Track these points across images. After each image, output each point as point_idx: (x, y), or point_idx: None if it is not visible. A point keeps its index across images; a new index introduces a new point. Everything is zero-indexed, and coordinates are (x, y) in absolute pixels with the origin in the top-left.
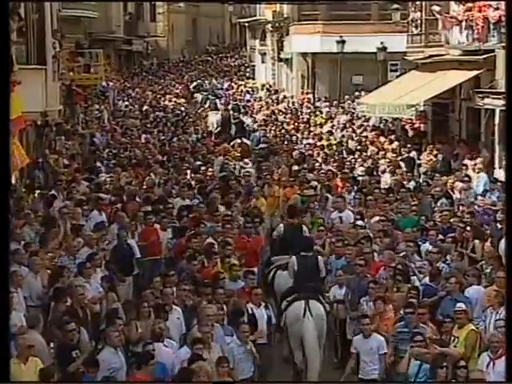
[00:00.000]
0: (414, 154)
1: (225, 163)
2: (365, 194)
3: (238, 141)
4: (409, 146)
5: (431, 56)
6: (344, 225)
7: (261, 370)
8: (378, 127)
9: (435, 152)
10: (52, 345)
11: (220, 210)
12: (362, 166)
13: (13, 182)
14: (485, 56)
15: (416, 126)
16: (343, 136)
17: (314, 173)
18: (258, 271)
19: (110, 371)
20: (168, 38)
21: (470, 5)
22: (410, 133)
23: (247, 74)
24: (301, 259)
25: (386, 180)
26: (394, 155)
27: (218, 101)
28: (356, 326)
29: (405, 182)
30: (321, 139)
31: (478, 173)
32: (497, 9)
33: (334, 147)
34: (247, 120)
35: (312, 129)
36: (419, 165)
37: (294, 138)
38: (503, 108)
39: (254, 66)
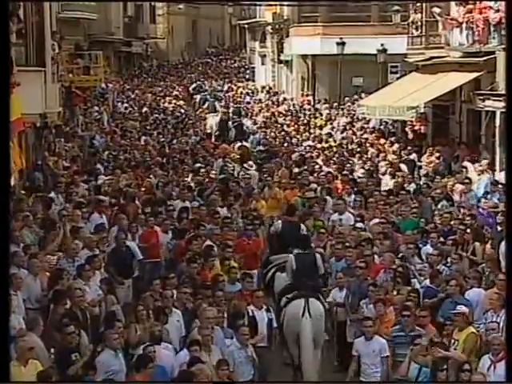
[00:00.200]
0: (414, 156)
1: (224, 165)
2: (365, 196)
3: (238, 143)
4: (409, 148)
5: (431, 58)
6: (344, 227)
7: (261, 373)
8: (379, 129)
9: (436, 154)
10: (52, 347)
11: (220, 212)
12: (362, 168)
13: (12, 183)
14: (485, 58)
15: (416, 128)
16: (343, 138)
17: (314, 175)
18: (258, 273)
19: (109, 374)
20: (168, 40)
21: (470, 7)
22: (411, 135)
23: (247, 76)
24: (299, 257)
25: (387, 182)
26: (395, 157)
27: (216, 102)
28: (356, 328)
29: (405, 185)
30: (321, 141)
31: (479, 175)
32: (497, 11)
33: (334, 149)
34: (247, 122)
35: (312, 131)
36: (420, 167)
37: (293, 140)
38: (504, 110)
39: (253, 67)
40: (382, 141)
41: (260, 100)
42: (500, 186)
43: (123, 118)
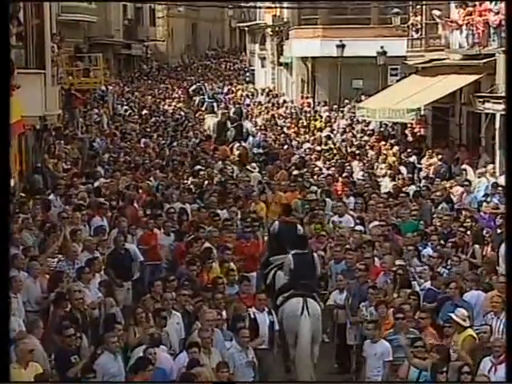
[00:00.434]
0: (414, 158)
1: (224, 167)
2: (365, 198)
3: (237, 144)
4: (409, 150)
5: (431, 60)
6: (344, 229)
7: (261, 375)
8: (378, 132)
9: (435, 156)
10: (51, 350)
11: (219, 214)
12: (361, 170)
13: (12, 186)
14: (485, 60)
15: (416, 130)
16: (343, 140)
17: (313, 177)
18: (256, 276)
19: (109, 376)
20: (167, 43)
21: (470, 9)
22: (410, 137)
23: (247, 79)
24: (296, 257)
25: (386, 184)
26: (394, 160)
27: (215, 104)
28: (356, 331)
29: (405, 187)
30: (320, 143)
31: (479, 177)
32: (497, 13)
33: (334, 151)
34: (247, 124)
35: (312, 133)
36: (419, 169)
37: (293, 142)
38: (503, 112)
39: (253, 70)
40: (382, 143)
41: (260, 102)
42: (500, 188)
43: (123, 121)
